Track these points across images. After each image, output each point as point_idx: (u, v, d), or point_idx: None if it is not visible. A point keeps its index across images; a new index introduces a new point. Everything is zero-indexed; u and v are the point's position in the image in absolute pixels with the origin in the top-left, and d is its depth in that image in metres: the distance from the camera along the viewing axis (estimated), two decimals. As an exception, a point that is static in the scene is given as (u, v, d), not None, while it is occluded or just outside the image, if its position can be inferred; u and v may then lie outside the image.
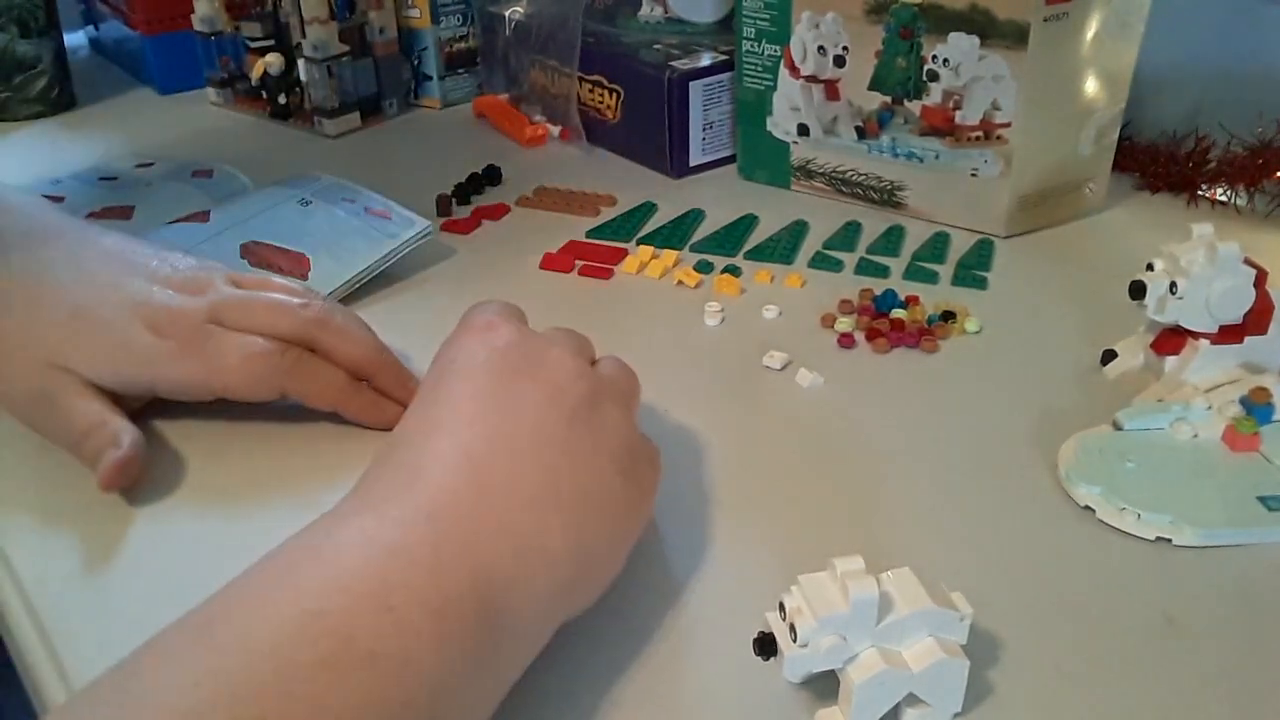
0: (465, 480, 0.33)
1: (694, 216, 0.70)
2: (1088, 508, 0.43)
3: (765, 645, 0.33)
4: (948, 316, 0.56)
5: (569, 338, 0.40)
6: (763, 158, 0.74)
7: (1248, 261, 0.47)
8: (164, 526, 0.43)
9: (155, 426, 0.48)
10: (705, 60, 0.74)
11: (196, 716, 0.26)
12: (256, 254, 0.59)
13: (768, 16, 0.69)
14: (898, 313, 0.57)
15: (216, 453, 0.47)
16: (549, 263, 0.64)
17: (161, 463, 0.46)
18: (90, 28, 1.08)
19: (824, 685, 0.34)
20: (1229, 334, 0.48)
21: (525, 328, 0.39)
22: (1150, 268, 0.49)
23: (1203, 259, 0.47)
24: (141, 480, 0.44)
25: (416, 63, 0.90)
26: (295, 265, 0.58)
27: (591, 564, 0.35)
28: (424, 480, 0.33)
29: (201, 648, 0.28)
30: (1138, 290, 0.49)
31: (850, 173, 0.70)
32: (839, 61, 0.67)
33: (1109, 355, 0.52)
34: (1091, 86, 0.64)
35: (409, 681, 0.28)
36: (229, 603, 0.29)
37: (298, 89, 0.85)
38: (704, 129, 0.75)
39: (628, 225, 0.69)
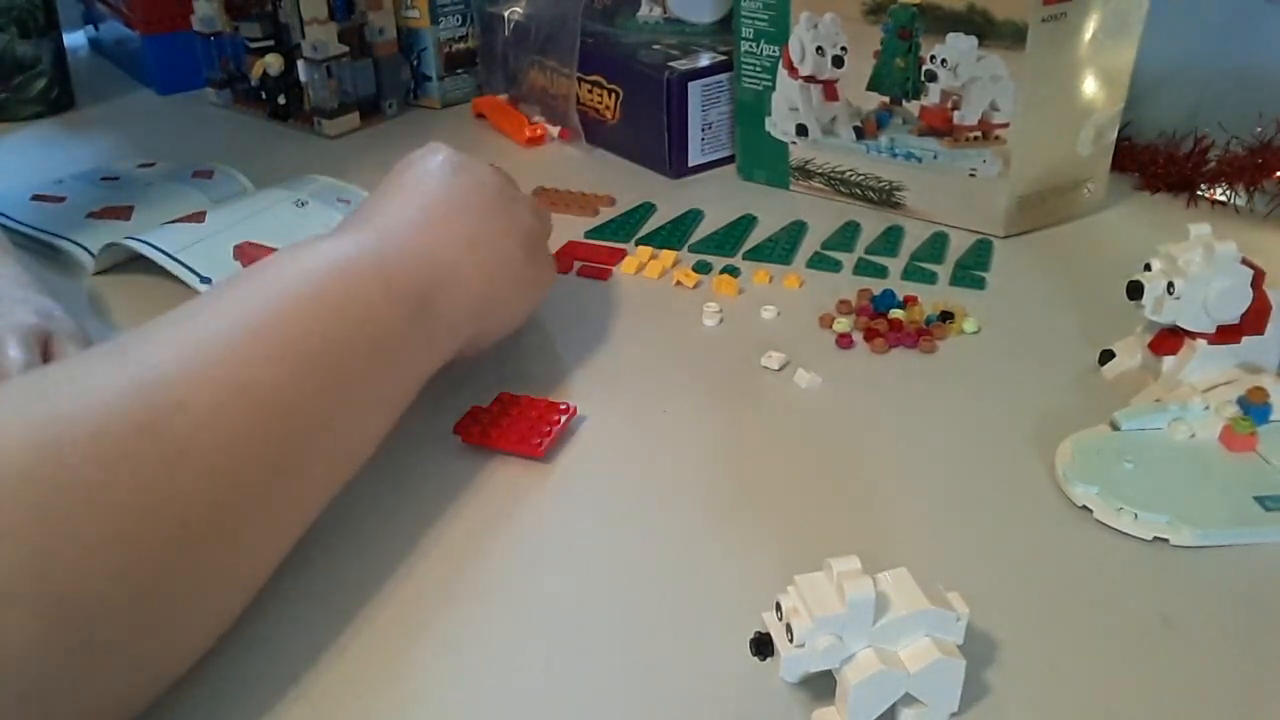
0: (407, 224, 0.45)
1: (693, 217, 0.70)
2: (1085, 507, 0.43)
3: (762, 645, 0.33)
4: (946, 317, 0.56)
5: (497, 167, 0.52)
6: (761, 158, 0.74)
7: (1245, 261, 0.47)
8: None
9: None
10: (704, 61, 0.74)
11: (222, 336, 0.36)
12: (250, 255, 0.59)
13: (766, 17, 0.69)
14: (896, 313, 0.57)
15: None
16: (548, 263, 0.64)
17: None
18: (90, 28, 1.08)
19: (821, 685, 0.34)
20: (1226, 334, 0.48)
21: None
22: (1148, 268, 0.49)
23: (1200, 259, 0.47)
24: None
25: (416, 63, 0.90)
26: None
27: (494, 304, 0.48)
28: (376, 221, 0.45)
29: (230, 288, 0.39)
30: (1135, 290, 0.49)
31: (849, 173, 0.70)
32: (837, 62, 0.67)
33: (1107, 355, 0.52)
34: (1090, 86, 0.64)
35: (368, 327, 0.40)
36: (229, 283, 0.39)
37: (297, 89, 0.85)
38: (703, 129, 0.75)
39: (626, 226, 0.69)
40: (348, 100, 0.85)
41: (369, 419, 0.41)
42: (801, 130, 0.71)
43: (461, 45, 0.91)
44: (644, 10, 0.81)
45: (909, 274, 0.62)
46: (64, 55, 0.92)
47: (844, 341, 0.55)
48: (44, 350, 0.48)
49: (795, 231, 0.68)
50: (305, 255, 0.41)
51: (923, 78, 0.64)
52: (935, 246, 0.65)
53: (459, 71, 0.91)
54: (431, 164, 0.49)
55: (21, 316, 0.49)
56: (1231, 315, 0.48)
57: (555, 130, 0.82)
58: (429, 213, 0.46)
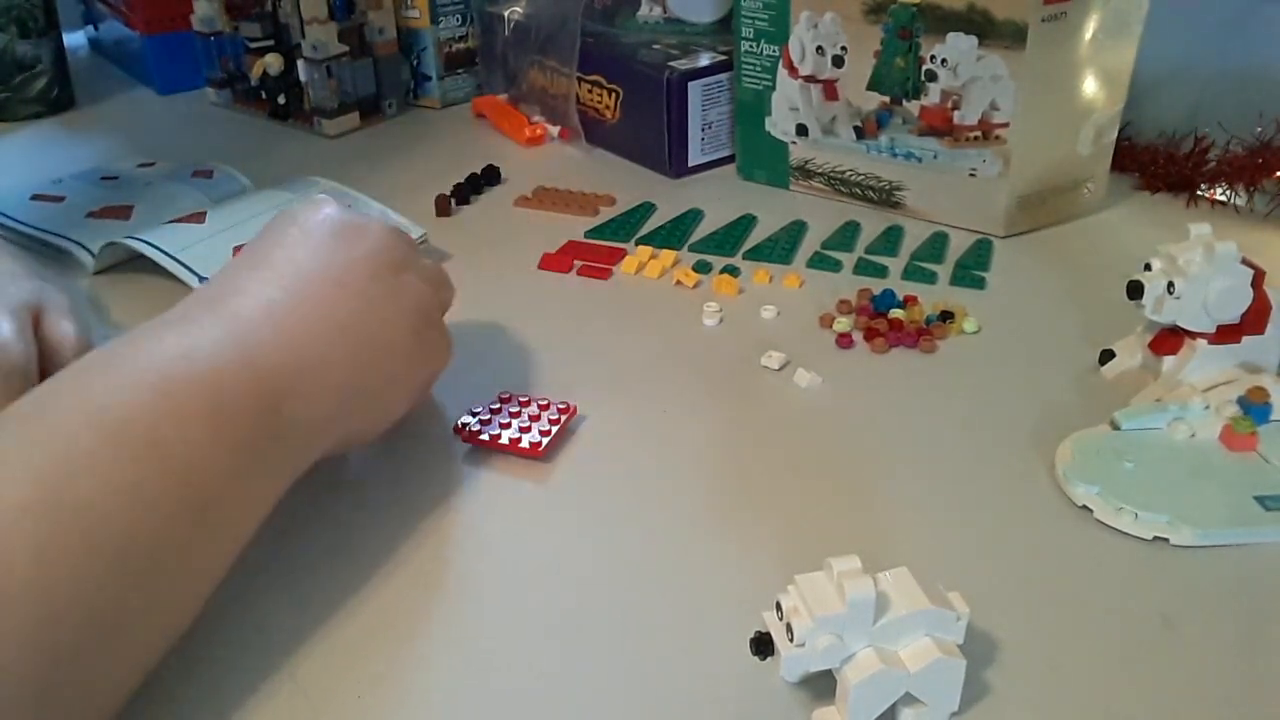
0: (266, 308, 0.38)
1: (693, 216, 0.70)
2: (1085, 507, 0.43)
3: (762, 645, 0.33)
4: (946, 316, 0.56)
5: (393, 227, 0.44)
6: (761, 158, 0.74)
7: (1245, 261, 0.47)
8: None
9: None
10: (704, 60, 0.74)
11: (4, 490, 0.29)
12: None
13: (766, 16, 0.69)
14: (896, 313, 0.57)
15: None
16: (547, 263, 0.64)
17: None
18: (90, 28, 1.08)
19: (821, 685, 0.34)
20: (1226, 334, 0.48)
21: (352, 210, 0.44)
22: (1148, 268, 0.49)
23: (1200, 259, 0.47)
24: None
25: (416, 63, 0.90)
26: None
27: (369, 398, 0.41)
28: (225, 303, 0.38)
29: (8, 437, 0.31)
30: (1135, 290, 0.49)
31: (849, 173, 0.70)
32: (837, 61, 0.67)
33: (1107, 355, 0.52)
34: (1090, 86, 0.64)
35: (185, 462, 0.33)
36: (36, 401, 0.33)
37: (297, 89, 0.85)
38: (703, 129, 0.75)
39: (626, 225, 0.69)
40: (348, 100, 0.85)
41: (190, 576, 0.34)
42: (801, 130, 0.71)
43: (461, 45, 0.91)
44: (644, 10, 0.81)
45: (909, 274, 0.62)
46: (64, 55, 0.92)
47: (844, 341, 0.55)
48: (37, 324, 0.48)
49: (795, 231, 0.68)
50: (116, 370, 0.34)
51: (923, 77, 0.64)
52: (935, 246, 0.65)
53: (459, 71, 0.91)
54: (310, 225, 0.42)
55: (13, 291, 0.49)
56: (1231, 315, 0.48)
57: (555, 130, 0.82)
58: (295, 291, 0.39)
